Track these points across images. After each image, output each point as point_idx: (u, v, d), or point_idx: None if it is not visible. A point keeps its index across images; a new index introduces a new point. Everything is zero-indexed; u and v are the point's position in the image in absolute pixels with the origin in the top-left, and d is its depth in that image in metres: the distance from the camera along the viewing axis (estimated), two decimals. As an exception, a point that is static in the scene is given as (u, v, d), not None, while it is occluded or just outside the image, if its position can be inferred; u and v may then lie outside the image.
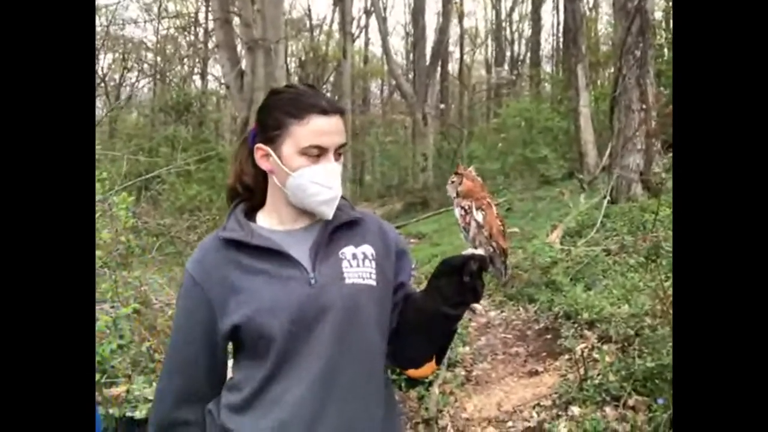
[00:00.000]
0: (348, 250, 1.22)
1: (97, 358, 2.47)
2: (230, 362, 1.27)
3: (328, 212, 1.20)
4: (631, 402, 2.98)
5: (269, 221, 1.25)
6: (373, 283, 1.21)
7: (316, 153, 1.16)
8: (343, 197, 1.29)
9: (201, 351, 1.20)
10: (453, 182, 1.31)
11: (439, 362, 1.36)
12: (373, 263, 1.23)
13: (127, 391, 2.44)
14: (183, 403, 1.21)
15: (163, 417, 1.23)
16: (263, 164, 1.22)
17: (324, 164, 1.17)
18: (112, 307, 3.30)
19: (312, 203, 1.19)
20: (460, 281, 1.14)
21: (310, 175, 1.17)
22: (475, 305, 1.18)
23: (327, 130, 1.16)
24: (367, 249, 1.24)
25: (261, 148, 1.20)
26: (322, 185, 1.17)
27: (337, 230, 1.23)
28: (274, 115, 1.18)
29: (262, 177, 1.26)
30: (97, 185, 3.61)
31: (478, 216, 1.24)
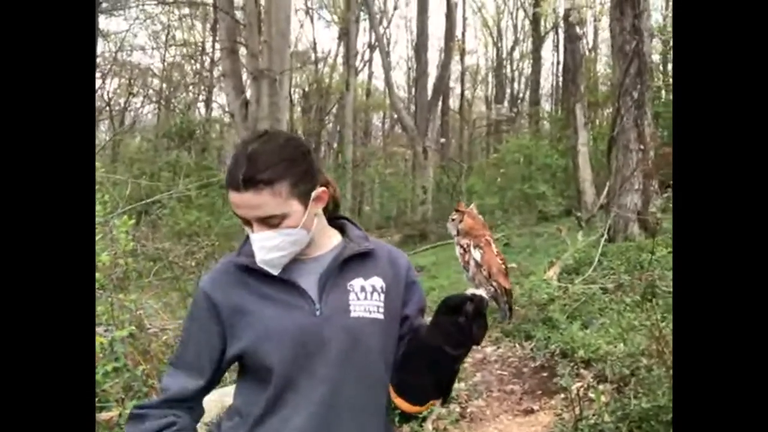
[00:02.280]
0: (357, 282, 1.23)
1: (90, 382, 2.45)
2: (223, 390, 1.28)
3: (271, 270, 1.20)
4: (626, 443, 2.95)
5: None
6: (380, 316, 1.21)
7: (243, 220, 1.18)
8: (357, 227, 1.33)
9: (207, 360, 1.22)
10: (454, 220, 1.31)
11: (444, 402, 1.35)
12: (382, 296, 1.23)
13: (119, 416, 2.41)
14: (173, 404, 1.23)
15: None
16: None
17: (254, 234, 1.17)
18: (107, 330, 3.28)
19: None
20: (458, 322, 1.13)
21: (250, 236, 1.19)
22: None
23: (238, 204, 1.15)
24: (377, 281, 1.24)
25: None
26: (255, 249, 1.19)
27: (348, 261, 1.24)
28: None
29: None
30: (99, 207, 3.63)
31: (476, 255, 1.24)
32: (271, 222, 1.15)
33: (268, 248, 1.16)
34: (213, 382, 1.26)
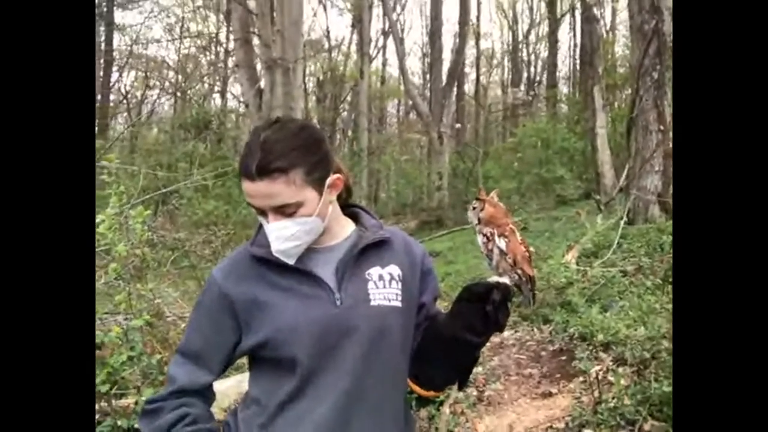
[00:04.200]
0: (375, 271, 1.22)
1: (108, 369, 2.48)
2: (241, 375, 1.28)
3: (287, 260, 1.18)
4: (646, 427, 2.91)
5: None
6: (399, 304, 1.21)
7: (258, 209, 1.16)
8: (371, 215, 1.31)
9: (216, 353, 1.21)
10: (475, 208, 1.29)
11: (461, 387, 1.35)
12: (399, 284, 1.22)
13: (136, 403, 2.45)
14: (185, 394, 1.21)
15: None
16: None
17: (270, 224, 1.15)
18: (126, 319, 3.33)
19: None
20: (483, 309, 1.13)
21: (264, 226, 1.17)
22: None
23: (253, 194, 1.12)
24: (394, 269, 1.23)
25: None
26: (270, 239, 1.17)
27: (365, 250, 1.23)
28: None
29: None
30: (115, 198, 3.66)
31: (501, 243, 1.21)
32: (286, 211, 1.13)
33: (283, 238, 1.14)
34: (222, 372, 1.26)
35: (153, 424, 1.17)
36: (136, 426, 2.36)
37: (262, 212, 1.15)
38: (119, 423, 2.36)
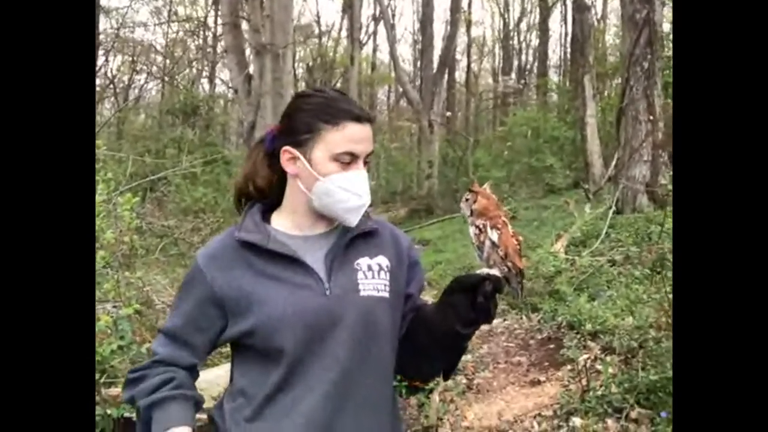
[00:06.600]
0: (364, 261, 1.21)
1: (97, 358, 2.46)
2: (224, 367, 1.27)
3: (353, 220, 1.18)
4: (633, 414, 2.95)
5: (284, 224, 1.23)
6: (387, 295, 1.20)
7: (348, 160, 1.15)
8: None
9: (200, 338, 1.19)
10: (467, 200, 1.28)
11: (447, 378, 1.36)
12: (387, 275, 1.22)
13: (126, 392, 2.43)
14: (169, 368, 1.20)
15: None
16: (289, 167, 1.19)
17: (355, 171, 1.16)
18: (114, 307, 3.30)
19: (338, 210, 1.18)
20: (473, 301, 1.13)
21: (340, 182, 1.15)
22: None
23: (360, 138, 1.16)
24: (382, 260, 1.23)
25: (288, 151, 1.18)
26: (351, 192, 1.16)
27: (354, 240, 1.22)
28: (305, 119, 1.16)
29: (278, 180, 1.24)
30: (102, 185, 3.61)
31: (494, 235, 1.21)
32: (367, 159, 1.20)
33: (365, 190, 1.18)
34: (207, 355, 1.25)
35: (137, 388, 1.15)
36: (126, 415, 2.35)
37: (348, 164, 1.16)
38: (109, 412, 2.35)
